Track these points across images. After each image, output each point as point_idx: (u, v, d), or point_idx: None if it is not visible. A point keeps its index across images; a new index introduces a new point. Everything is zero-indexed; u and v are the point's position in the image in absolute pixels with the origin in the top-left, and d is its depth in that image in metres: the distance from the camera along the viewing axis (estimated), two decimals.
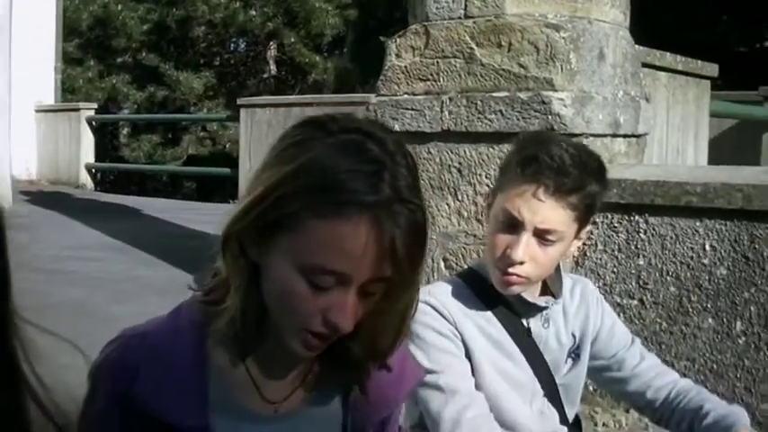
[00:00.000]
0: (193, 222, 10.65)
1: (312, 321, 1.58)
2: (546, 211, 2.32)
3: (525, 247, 2.33)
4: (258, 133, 13.33)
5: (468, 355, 2.45)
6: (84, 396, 1.72)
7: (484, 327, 2.49)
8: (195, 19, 23.08)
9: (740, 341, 3.98)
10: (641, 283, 4.16)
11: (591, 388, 3.85)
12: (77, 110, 16.74)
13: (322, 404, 1.80)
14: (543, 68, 4.24)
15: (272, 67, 25.18)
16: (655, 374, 2.67)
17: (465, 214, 4.40)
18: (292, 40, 23.55)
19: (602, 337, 2.67)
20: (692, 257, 4.09)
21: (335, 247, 1.51)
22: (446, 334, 2.41)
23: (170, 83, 23.08)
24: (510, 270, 2.37)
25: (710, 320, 4.04)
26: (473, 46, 4.39)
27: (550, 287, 2.57)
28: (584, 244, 2.62)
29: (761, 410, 3.80)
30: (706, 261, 4.06)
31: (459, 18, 4.47)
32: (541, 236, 2.34)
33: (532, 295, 2.52)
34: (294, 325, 1.61)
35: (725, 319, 4.02)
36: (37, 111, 17.07)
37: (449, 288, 2.50)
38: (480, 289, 2.53)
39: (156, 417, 1.64)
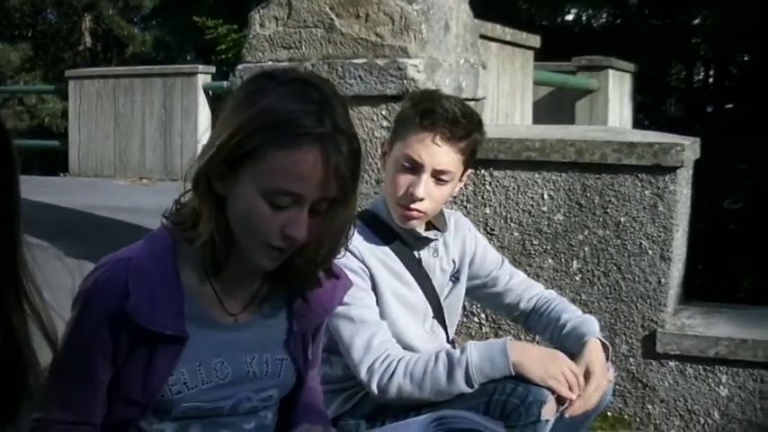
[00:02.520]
0: (30, 194, 10.53)
1: (273, 236, 1.95)
2: (442, 155, 2.73)
3: (425, 185, 2.74)
4: (88, 105, 13.20)
5: (374, 287, 2.83)
6: (72, 318, 1.98)
7: (384, 260, 2.87)
8: None
9: (577, 278, 4.44)
10: (488, 229, 4.57)
11: None
12: None
13: (272, 313, 2.17)
14: (398, 38, 4.60)
15: (88, 39, 24.71)
16: (525, 287, 3.12)
17: None
18: (111, 12, 23.15)
19: (477, 259, 3.09)
20: (532, 206, 4.51)
21: (292, 171, 1.88)
22: (356, 270, 2.77)
23: None
24: (412, 206, 2.77)
25: (550, 261, 4.48)
26: (333, 17, 4.71)
27: (434, 223, 2.98)
28: (464, 185, 3.03)
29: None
30: (545, 208, 4.49)
31: None
32: (437, 176, 2.75)
33: (422, 230, 2.93)
34: (258, 241, 1.98)
35: (563, 259, 4.47)
36: None
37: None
38: (378, 227, 2.91)
39: (144, 327, 1.96)
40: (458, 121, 2.72)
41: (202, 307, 2.07)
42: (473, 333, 4.62)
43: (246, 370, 2.12)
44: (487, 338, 4.60)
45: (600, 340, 2.84)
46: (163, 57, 24.80)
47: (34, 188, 11.34)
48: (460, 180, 2.86)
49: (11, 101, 22.16)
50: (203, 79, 12.62)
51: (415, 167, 2.75)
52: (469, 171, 2.92)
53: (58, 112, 19.79)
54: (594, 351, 2.77)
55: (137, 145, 12.86)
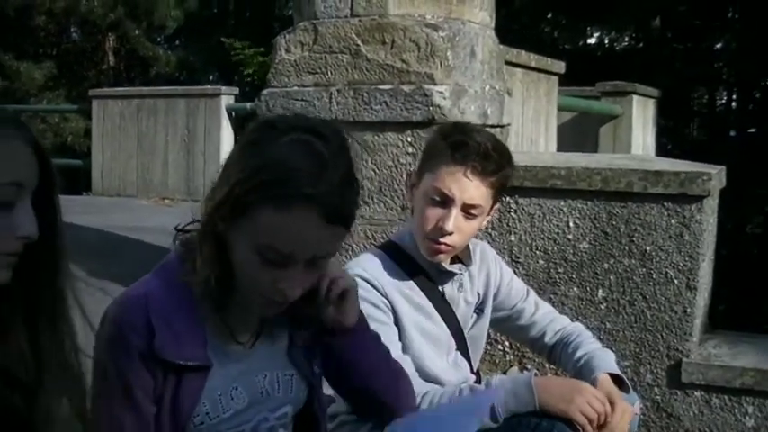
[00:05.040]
0: None
1: (266, 289, 1.95)
2: (473, 189, 2.71)
3: (454, 219, 2.72)
4: (111, 124, 13.26)
5: (397, 321, 2.80)
6: (106, 363, 1.97)
7: (407, 294, 2.85)
8: (35, 7, 22.57)
9: (602, 307, 4.40)
10: (513, 257, 4.56)
11: None
12: None
13: (275, 331, 2.18)
14: (424, 64, 4.61)
15: (111, 59, 24.86)
16: (549, 320, 3.10)
17: None
18: (136, 32, 23.30)
19: (502, 291, 3.08)
20: (557, 234, 4.48)
21: (283, 231, 1.87)
22: (378, 304, 2.76)
23: (9, 73, 22.50)
24: (440, 240, 2.75)
25: (575, 289, 4.45)
26: (359, 43, 4.73)
27: (459, 255, 2.97)
28: (491, 219, 3.02)
29: (621, 367, 4.24)
30: (570, 236, 4.46)
31: (346, 17, 4.79)
32: (467, 210, 2.73)
33: (447, 263, 2.92)
34: (253, 290, 1.98)
35: (588, 288, 4.43)
36: None
37: (377, 261, 2.84)
38: (402, 260, 2.89)
39: (172, 361, 1.97)
40: (489, 155, 2.71)
41: (216, 337, 2.07)
42: (497, 361, 4.60)
43: (260, 390, 2.13)
44: (511, 366, 4.59)
45: (612, 374, 2.81)
46: (186, 77, 24.97)
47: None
48: (488, 214, 2.85)
49: (34, 119, 22.28)
50: (226, 100, 12.66)
51: (445, 201, 2.73)
52: (497, 205, 2.90)
53: (81, 131, 19.88)
54: (605, 385, 2.74)
55: (159, 165, 12.90)
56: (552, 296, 4.43)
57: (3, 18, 22.92)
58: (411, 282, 2.87)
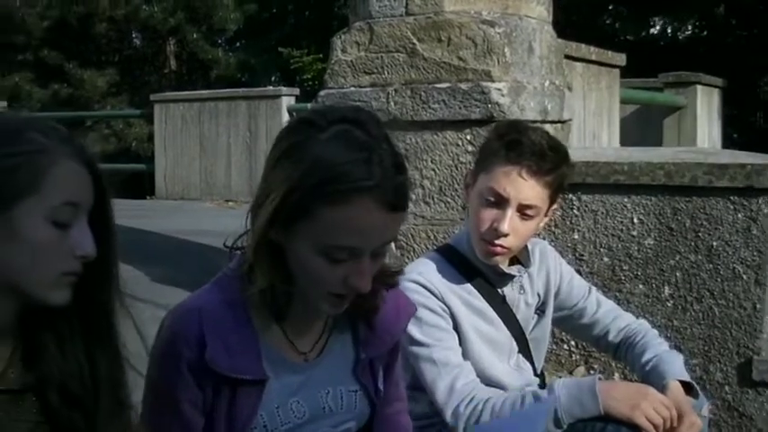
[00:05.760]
0: (118, 218, 10.63)
1: (334, 287, 1.91)
2: (528, 189, 2.64)
3: (510, 220, 2.65)
4: (173, 128, 13.36)
5: (456, 326, 2.75)
6: (154, 375, 1.99)
7: (466, 298, 2.79)
8: (96, 15, 22.81)
9: (668, 304, 4.31)
10: (577, 255, 4.49)
11: None
12: None
13: (339, 345, 2.14)
14: (481, 61, 4.56)
15: (173, 63, 25.06)
16: (612, 318, 3.02)
17: (413, 197, 4.66)
18: (195, 36, 23.47)
19: (563, 290, 3.01)
20: (621, 230, 4.41)
21: (346, 227, 1.83)
22: (436, 310, 2.70)
23: (73, 81, 22.77)
24: (496, 242, 2.69)
25: (641, 286, 4.37)
26: (415, 41, 4.69)
27: (518, 257, 2.90)
28: (549, 220, 2.95)
29: (690, 366, 4.16)
30: (635, 233, 4.38)
31: (401, 15, 4.75)
32: (523, 211, 2.66)
33: (505, 266, 2.86)
34: (320, 291, 1.94)
35: (654, 285, 4.35)
36: None
37: (433, 266, 2.78)
38: (459, 263, 2.83)
39: (226, 375, 1.94)
40: (545, 154, 2.64)
41: (274, 349, 2.04)
42: (563, 361, 4.53)
43: (322, 406, 2.09)
44: (577, 366, 4.52)
45: (682, 381, 2.74)
46: (247, 78, 25.10)
47: (121, 211, 11.38)
48: (546, 215, 2.78)
49: (98, 125, 22.53)
50: (287, 101, 12.69)
51: (500, 202, 2.66)
52: (555, 205, 2.83)
53: (145, 135, 20.06)
54: (675, 393, 2.66)
55: (222, 167, 12.96)
56: (617, 294, 4.36)
57: (65, 27, 23.21)
58: (469, 285, 2.81)
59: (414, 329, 2.63)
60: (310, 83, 13.56)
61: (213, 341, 1.93)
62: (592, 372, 4.47)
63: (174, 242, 8.53)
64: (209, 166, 13.09)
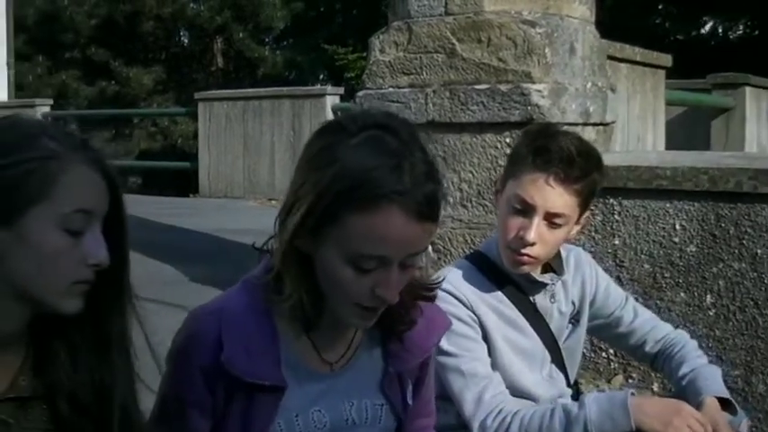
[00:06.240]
0: (160, 216, 10.69)
1: (362, 298, 1.84)
2: (556, 196, 2.55)
3: (536, 229, 2.56)
4: (217, 126, 13.40)
5: (485, 336, 2.66)
6: (166, 374, 1.95)
7: (496, 306, 2.71)
8: (143, 14, 22.98)
9: (710, 313, 4.21)
10: (617, 261, 4.40)
11: None
12: (33, 106, 16.60)
13: (367, 357, 2.07)
14: (521, 62, 4.48)
15: (220, 61, 25.18)
16: (650, 328, 2.93)
17: (450, 200, 4.61)
18: (241, 35, 23.57)
19: (599, 298, 2.91)
20: (663, 236, 4.31)
21: (374, 235, 1.76)
22: (464, 319, 2.62)
23: (120, 79, 22.94)
24: (522, 251, 2.60)
25: (683, 294, 4.27)
26: (454, 42, 4.63)
27: (551, 264, 2.82)
28: (582, 228, 2.85)
29: (731, 377, 4.06)
30: (677, 239, 4.29)
31: (440, 15, 4.69)
32: (550, 219, 2.57)
33: (537, 273, 2.77)
34: (347, 302, 1.87)
35: (696, 293, 4.25)
36: None
37: (462, 273, 2.70)
38: (489, 271, 2.74)
39: (241, 379, 1.88)
40: (573, 160, 2.54)
41: (299, 357, 1.98)
42: (600, 369, 4.45)
43: (345, 418, 2.03)
44: (615, 375, 4.43)
45: (719, 397, 2.65)
46: (294, 77, 25.15)
47: (165, 209, 11.56)
48: (577, 223, 2.68)
49: (144, 122, 22.68)
50: (332, 100, 12.68)
51: (527, 209, 2.57)
52: (587, 214, 2.73)
53: (190, 133, 20.17)
54: (712, 410, 2.57)
55: (266, 166, 12.97)
56: (658, 302, 4.27)
57: (112, 25, 23.42)
58: (500, 293, 2.73)
59: (442, 339, 2.56)
60: (355, 81, 13.56)
61: (231, 344, 1.88)
62: (630, 380, 4.38)
63: (215, 241, 8.54)
64: (252, 165, 13.10)
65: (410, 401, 2.14)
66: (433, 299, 2.07)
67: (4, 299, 1.64)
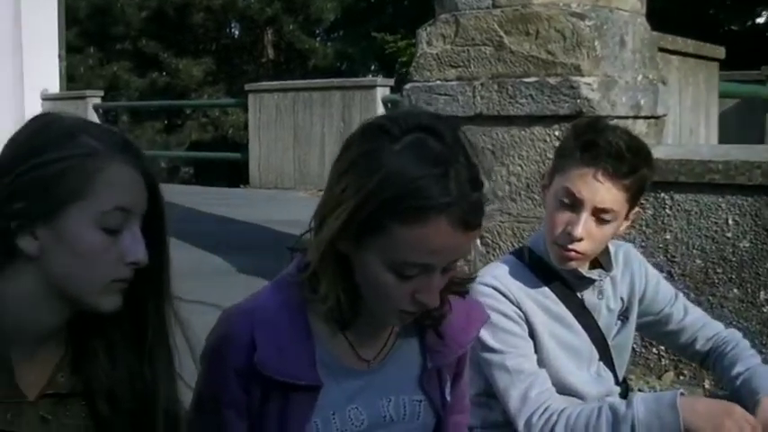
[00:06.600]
0: (210, 206, 10.73)
1: (403, 303, 1.81)
2: (604, 192, 2.50)
3: (584, 224, 2.52)
4: (267, 118, 13.44)
5: (531, 332, 2.62)
6: (200, 375, 1.93)
7: (543, 302, 2.67)
8: (194, 5, 23.11)
9: (764, 309, 4.14)
10: (669, 256, 4.34)
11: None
12: (84, 97, 16.73)
13: (404, 353, 2.03)
14: (570, 55, 4.43)
15: (270, 52, 25.25)
16: (701, 326, 2.87)
17: (499, 194, 4.58)
18: (291, 27, 23.63)
19: (648, 295, 2.85)
20: (716, 231, 4.25)
21: (419, 246, 1.72)
22: (510, 315, 2.58)
23: (170, 70, 23.09)
24: (569, 246, 2.55)
25: (735, 290, 4.20)
26: (502, 34, 4.58)
27: (600, 260, 2.77)
28: (631, 224, 2.80)
29: None
30: (729, 234, 4.22)
31: (488, 8, 4.65)
32: (598, 215, 2.52)
33: (585, 269, 2.73)
34: (387, 306, 1.84)
35: (749, 289, 4.18)
36: (44, 99, 16.82)
37: (508, 269, 2.65)
38: (536, 266, 2.70)
39: (275, 379, 1.86)
40: (623, 155, 2.50)
41: (334, 354, 1.95)
42: (651, 365, 4.39)
43: (383, 414, 2.00)
44: (666, 371, 4.37)
45: None
46: (346, 68, 25.17)
47: (215, 200, 11.62)
48: (626, 218, 2.64)
49: (196, 113, 22.80)
50: (382, 92, 12.66)
51: (575, 204, 2.53)
52: (636, 210, 2.68)
53: (241, 123, 20.27)
54: (767, 411, 2.52)
55: (316, 157, 12.99)
56: (710, 298, 4.21)
57: (163, 17, 23.57)
58: (546, 289, 2.68)
59: (486, 335, 2.53)
60: (406, 69, 13.57)
61: (264, 344, 1.86)
62: (681, 377, 4.31)
63: (269, 233, 8.55)
64: (302, 156, 13.13)
65: (448, 397, 2.11)
66: (465, 294, 2.03)
67: (44, 296, 1.64)
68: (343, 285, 1.85)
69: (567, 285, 2.70)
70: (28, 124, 1.68)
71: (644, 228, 4.38)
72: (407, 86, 4.88)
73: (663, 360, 4.39)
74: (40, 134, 1.65)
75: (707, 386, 4.24)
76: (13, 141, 1.66)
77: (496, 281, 2.61)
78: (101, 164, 1.61)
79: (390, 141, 1.76)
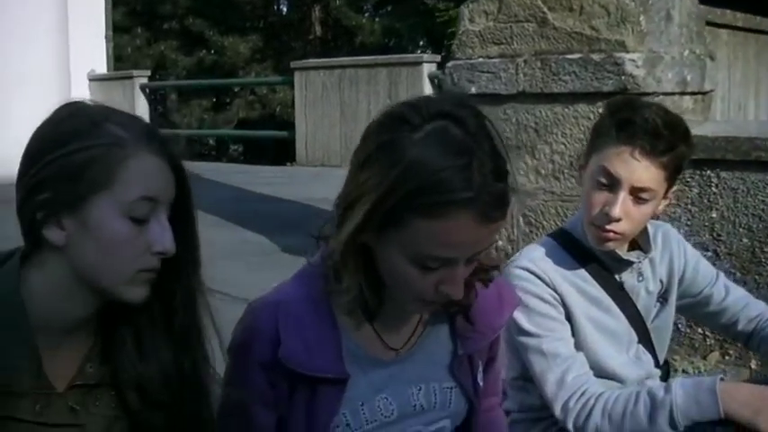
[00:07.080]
0: (256, 185, 10.74)
1: (426, 294, 1.77)
2: (641, 170, 2.45)
3: (622, 204, 2.47)
4: (313, 96, 13.44)
5: (568, 316, 2.58)
6: (227, 369, 1.92)
7: (580, 285, 2.63)
8: None
9: None
10: (715, 235, 4.27)
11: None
12: (131, 77, 16.80)
13: (433, 339, 2.01)
14: (614, 31, 4.37)
15: (318, 29, 25.23)
16: (743, 306, 2.82)
17: (543, 172, 4.55)
18: (338, 3, 23.58)
19: (688, 276, 2.80)
20: (763, 209, 4.17)
21: (441, 240, 1.68)
22: (547, 299, 2.55)
23: (216, 48, 23.14)
24: (607, 227, 2.51)
25: None
26: (545, 10, 4.52)
27: (638, 241, 2.72)
28: (669, 203, 2.74)
29: None
30: None
31: None
32: (636, 194, 2.48)
33: (623, 251, 2.68)
34: (411, 297, 1.81)
35: None
36: (91, 80, 16.95)
37: (544, 251, 2.62)
38: (573, 248, 2.66)
39: (302, 373, 1.84)
40: (659, 133, 2.44)
41: (361, 345, 1.93)
42: (696, 345, 4.33)
43: (413, 404, 1.98)
44: (711, 351, 4.31)
45: None
46: (393, 44, 25.08)
47: (261, 178, 11.64)
48: (664, 198, 2.58)
49: (244, 91, 22.84)
50: (429, 68, 12.60)
51: (612, 184, 2.48)
52: (675, 188, 2.63)
53: (289, 101, 20.25)
54: None
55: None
56: (757, 277, 4.14)
57: None
58: (584, 272, 2.64)
59: (522, 319, 2.50)
60: (453, 42, 13.50)
61: (289, 338, 1.84)
62: (726, 357, 4.25)
63: (313, 212, 8.53)
64: (349, 133, 13.11)
65: (480, 383, 2.08)
66: (490, 281, 1.98)
67: (71, 287, 1.64)
68: (366, 276, 1.82)
69: (605, 267, 2.66)
70: (54, 114, 1.67)
71: (689, 206, 4.31)
72: (449, 64, 4.85)
73: (708, 340, 4.34)
74: (65, 124, 1.65)
75: (753, 366, 4.18)
76: (40, 131, 1.66)
77: (533, 264, 2.57)
78: (126, 153, 1.61)
79: (411, 131, 1.70)
